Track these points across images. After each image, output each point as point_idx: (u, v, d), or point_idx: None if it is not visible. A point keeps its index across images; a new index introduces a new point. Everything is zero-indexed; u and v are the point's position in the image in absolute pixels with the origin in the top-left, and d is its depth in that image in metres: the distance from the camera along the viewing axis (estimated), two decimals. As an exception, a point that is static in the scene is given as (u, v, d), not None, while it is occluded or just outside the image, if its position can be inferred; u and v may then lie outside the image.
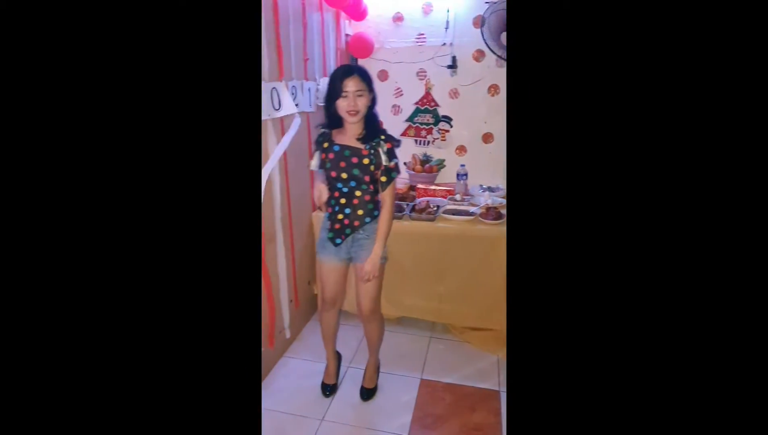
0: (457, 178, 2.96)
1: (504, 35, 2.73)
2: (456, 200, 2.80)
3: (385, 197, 1.90)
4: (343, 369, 2.40)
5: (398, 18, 3.05)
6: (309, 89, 2.49)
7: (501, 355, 2.49)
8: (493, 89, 3.03)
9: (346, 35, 3.07)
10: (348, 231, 1.92)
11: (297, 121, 2.27)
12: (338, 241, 1.94)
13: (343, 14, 2.94)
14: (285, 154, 2.27)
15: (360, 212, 1.90)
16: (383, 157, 1.86)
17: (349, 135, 1.87)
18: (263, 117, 2.00)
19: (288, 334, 2.50)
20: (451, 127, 3.19)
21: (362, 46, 2.98)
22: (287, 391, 2.25)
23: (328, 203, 1.92)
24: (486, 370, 2.39)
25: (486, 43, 2.87)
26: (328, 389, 2.23)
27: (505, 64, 2.87)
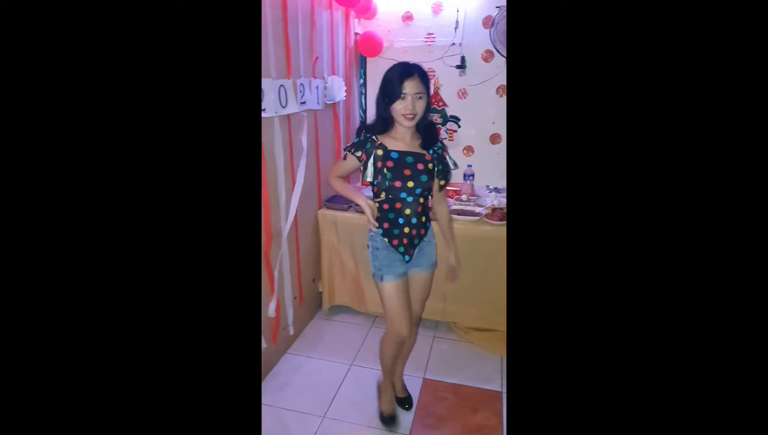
0: (464, 179, 2.96)
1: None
2: (462, 200, 2.81)
3: (443, 200, 1.84)
4: (346, 367, 2.40)
5: (408, 17, 3.05)
6: (317, 87, 2.49)
7: (504, 356, 2.48)
8: (502, 90, 3.01)
9: (355, 34, 3.07)
10: (416, 241, 1.75)
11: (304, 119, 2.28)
12: (408, 256, 1.76)
13: (352, 13, 2.94)
14: (291, 152, 2.28)
15: (424, 219, 1.75)
16: (450, 162, 1.75)
17: (405, 140, 1.69)
18: (270, 114, 2.01)
19: (291, 331, 2.51)
20: (459, 127, 3.18)
21: (371, 45, 2.97)
22: (290, 387, 2.26)
23: (383, 218, 1.73)
24: (489, 371, 2.39)
25: (494, 45, 2.87)
26: (390, 420, 2.02)
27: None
